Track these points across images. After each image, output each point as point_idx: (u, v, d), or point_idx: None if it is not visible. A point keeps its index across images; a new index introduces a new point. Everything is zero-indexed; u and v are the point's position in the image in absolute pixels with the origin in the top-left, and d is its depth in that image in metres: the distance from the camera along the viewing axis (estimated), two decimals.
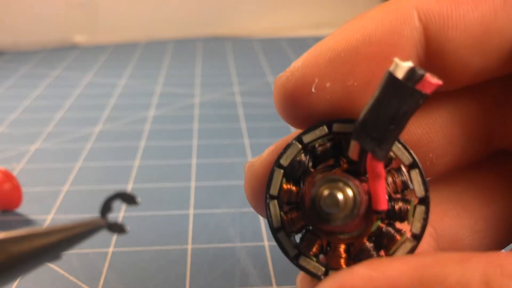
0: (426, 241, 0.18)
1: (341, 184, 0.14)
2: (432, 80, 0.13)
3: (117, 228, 0.25)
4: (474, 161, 0.18)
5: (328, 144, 0.16)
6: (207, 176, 0.38)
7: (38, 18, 0.75)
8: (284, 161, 0.16)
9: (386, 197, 0.15)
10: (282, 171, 0.16)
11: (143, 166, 0.39)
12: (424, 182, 0.15)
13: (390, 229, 0.15)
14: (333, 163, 0.16)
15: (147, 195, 0.35)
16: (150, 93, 0.55)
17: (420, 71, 0.13)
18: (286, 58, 0.70)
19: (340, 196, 0.14)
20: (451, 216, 0.18)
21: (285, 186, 0.16)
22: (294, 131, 0.17)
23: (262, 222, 0.31)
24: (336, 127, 0.16)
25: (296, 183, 0.16)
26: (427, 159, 0.17)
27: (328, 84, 0.15)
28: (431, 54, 0.15)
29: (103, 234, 0.30)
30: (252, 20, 0.85)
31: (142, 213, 0.32)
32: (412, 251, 0.15)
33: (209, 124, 0.47)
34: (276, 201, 0.16)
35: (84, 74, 0.63)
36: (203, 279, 0.27)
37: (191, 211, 0.33)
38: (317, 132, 0.16)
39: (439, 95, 0.17)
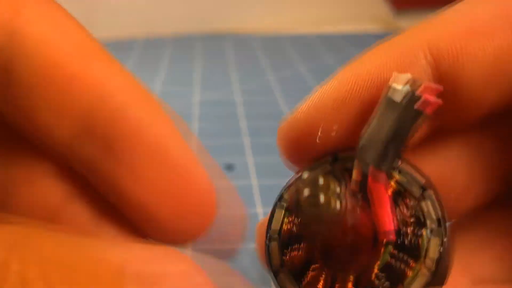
0: None
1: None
2: (432, 85, 0.13)
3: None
4: (495, 197, 0.18)
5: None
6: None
7: None
8: (288, 196, 0.16)
9: (392, 218, 0.15)
10: (284, 204, 0.16)
11: None
12: (437, 212, 0.15)
13: (400, 263, 0.15)
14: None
15: None
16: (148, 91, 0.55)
17: (418, 82, 0.13)
18: (287, 56, 0.69)
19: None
20: (487, 264, 0.17)
21: (286, 219, 0.16)
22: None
23: None
24: (341, 155, 0.16)
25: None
26: (450, 199, 0.17)
27: (335, 127, 0.15)
28: (445, 90, 0.15)
29: None
30: (252, 17, 0.85)
31: None
32: (426, 286, 0.14)
33: (209, 123, 0.46)
34: (276, 243, 0.16)
35: None
36: None
37: None
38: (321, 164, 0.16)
39: (455, 133, 0.17)
